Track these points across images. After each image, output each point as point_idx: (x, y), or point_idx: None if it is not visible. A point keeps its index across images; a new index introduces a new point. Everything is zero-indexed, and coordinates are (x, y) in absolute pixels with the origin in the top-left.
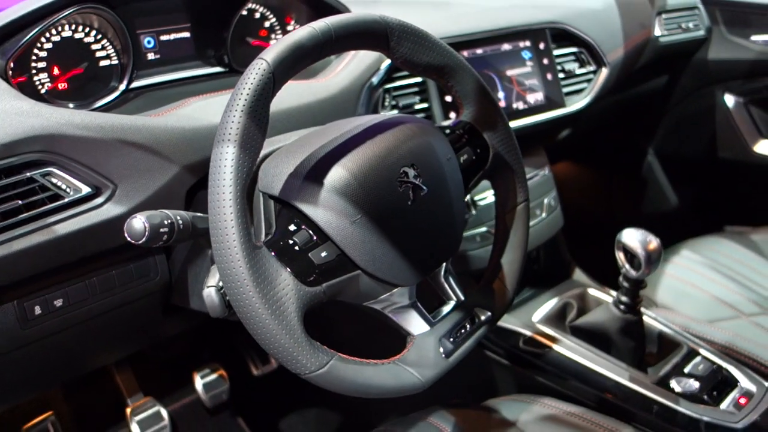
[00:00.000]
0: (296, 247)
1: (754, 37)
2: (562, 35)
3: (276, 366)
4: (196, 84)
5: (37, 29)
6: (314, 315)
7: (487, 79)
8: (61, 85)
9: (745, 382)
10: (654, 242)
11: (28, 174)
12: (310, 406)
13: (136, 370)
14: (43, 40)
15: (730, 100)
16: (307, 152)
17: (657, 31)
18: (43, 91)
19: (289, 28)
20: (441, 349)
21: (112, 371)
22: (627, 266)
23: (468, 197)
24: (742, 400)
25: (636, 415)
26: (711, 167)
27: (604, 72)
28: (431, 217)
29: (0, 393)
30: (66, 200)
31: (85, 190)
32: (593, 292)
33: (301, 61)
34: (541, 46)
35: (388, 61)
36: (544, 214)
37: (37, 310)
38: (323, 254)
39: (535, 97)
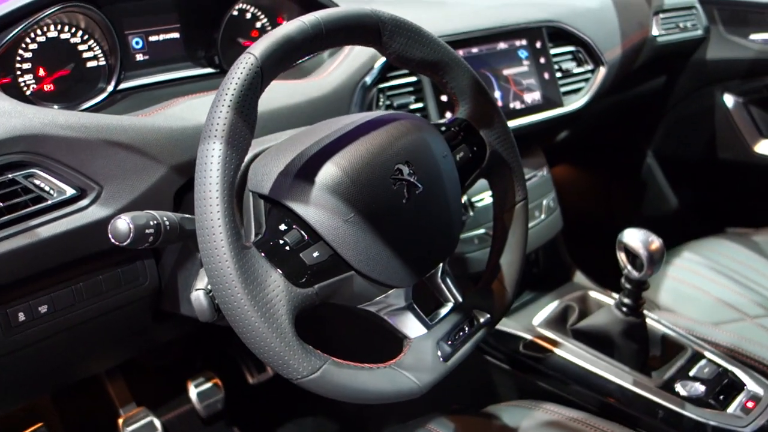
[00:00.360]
0: (287, 248)
1: (752, 36)
2: (558, 34)
3: (272, 374)
4: (186, 85)
5: (20, 28)
6: (307, 319)
7: (484, 78)
8: (47, 87)
9: (751, 385)
10: (656, 242)
11: (9, 176)
12: (306, 415)
13: (129, 379)
14: (27, 40)
15: (729, 100)
16: (298, 150)
17: (654, 31)
18: (28, 92)
19: None
20: (439, 353)
21: (103, 380)
22: (629, 267)
23: (465, 198)
24: (750, 404)
25: (640, 420)
26: (711, 168)
27: (602, 71)
28: (427, 216)
29: None
30: (49, 202)
31: (70, 191)
32: (594, 294)
33: (291, 55)
34: (538, 44)
35: (381, 60)
36: (543, 216)
37: (21, 316)
38: (315, 254)
39: (533, 97)
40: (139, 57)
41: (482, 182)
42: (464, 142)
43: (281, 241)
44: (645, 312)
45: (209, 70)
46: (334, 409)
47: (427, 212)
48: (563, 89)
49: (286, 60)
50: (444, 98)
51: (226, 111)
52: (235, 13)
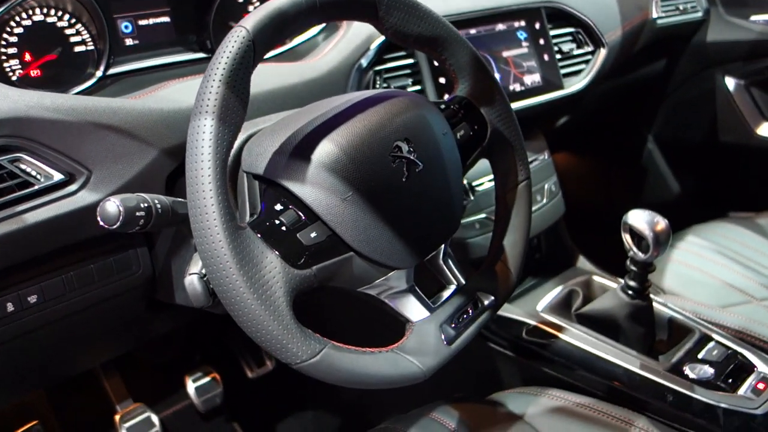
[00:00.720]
0: (283, 228)
1: (753, 18)
2: (557, 15)
3: (272, 368)
4: (178, 70)
5: (2, 10)
6: (305, 305)
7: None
8: (34, 72)
9: (762, 366)
10: (662, 223)
11: None
12: (307, 409)
13: (125, 374)
14: (12, 24)
15: (730, 82)
16: (294, 129)
17: (654, 13)
18: (14, 78)
19: None
20: (442, 336)
21: (99, 376)
22: (634, 249)
23: (465, 182)
24: (761, 386)
25: (649, 404)
26: (713, 152)
27: (603, 53)
28: (428, 195)
29: None
30: (36, 187)
31: (57, 176)
32: (599, 279)
33: (283, 29)
34: (537, 25)
35: (378, 42)
36: (545, 200)
37: (10, 307)
38: (313, 235)
39: (533, 79)
40: (129, 41)
41: (482, 166)
42: (464, 121)
43: (277, 222)
44: (650, 296)
45: (201, 54)
46: (335, 402)
47: (428, 191)
48: (563, 71)
49: (278, 34)
50: (442, 80)
51: (218, 86)
52: None
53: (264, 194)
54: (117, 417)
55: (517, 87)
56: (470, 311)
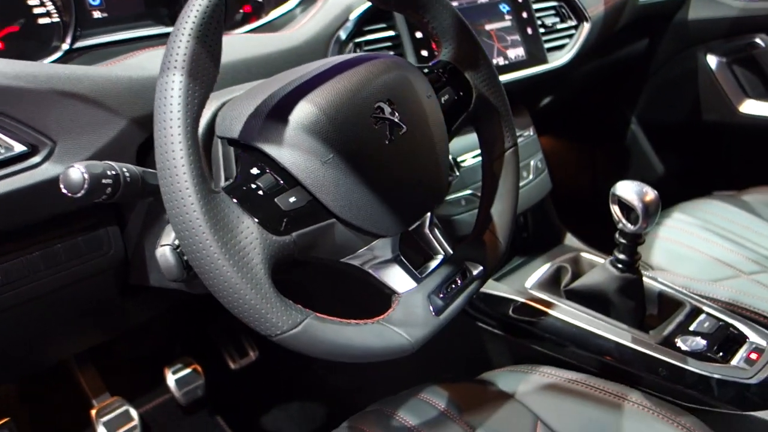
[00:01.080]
0: (260, 192)
1: None
2: None
3: (255, 358)
4: (148, 43)
5: None
6: (286, 282)
7: None
8: None
9: (754, 337)
10: (651, 194)
11: None
12: (292, 398)
13: (101, 367)
14: None
15: (712, 60)
16: (270, 91)
17: None
18: None
19: None
20: (430, 307)
21: (73, 369)
22: (623, 221)
23: (450, 158)
24: (753, 356)
25: (642, 378)
26: (696, 131)
27: (586, 27)
28: (413, 159)
29: None
30: None
31: (19, 148)
32: (587, 255)
33: None
34: None
35: (357, 12)
36: (531, 176)
37: None
38: (292, 200)
39: (516, 53)
40: (96, 14)
41: (467, 140)
42: (449, 85)
43: (254, 186)
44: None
45: (172, 29)
46: (321, 390)
47: (413, 154)
48: (547, 45)
49: None
50: (425, 53)
51: (187, 40)
52: None
53: (239, 159)
54: (93, 412)
55: (501, 61)
56: (459, 281)
